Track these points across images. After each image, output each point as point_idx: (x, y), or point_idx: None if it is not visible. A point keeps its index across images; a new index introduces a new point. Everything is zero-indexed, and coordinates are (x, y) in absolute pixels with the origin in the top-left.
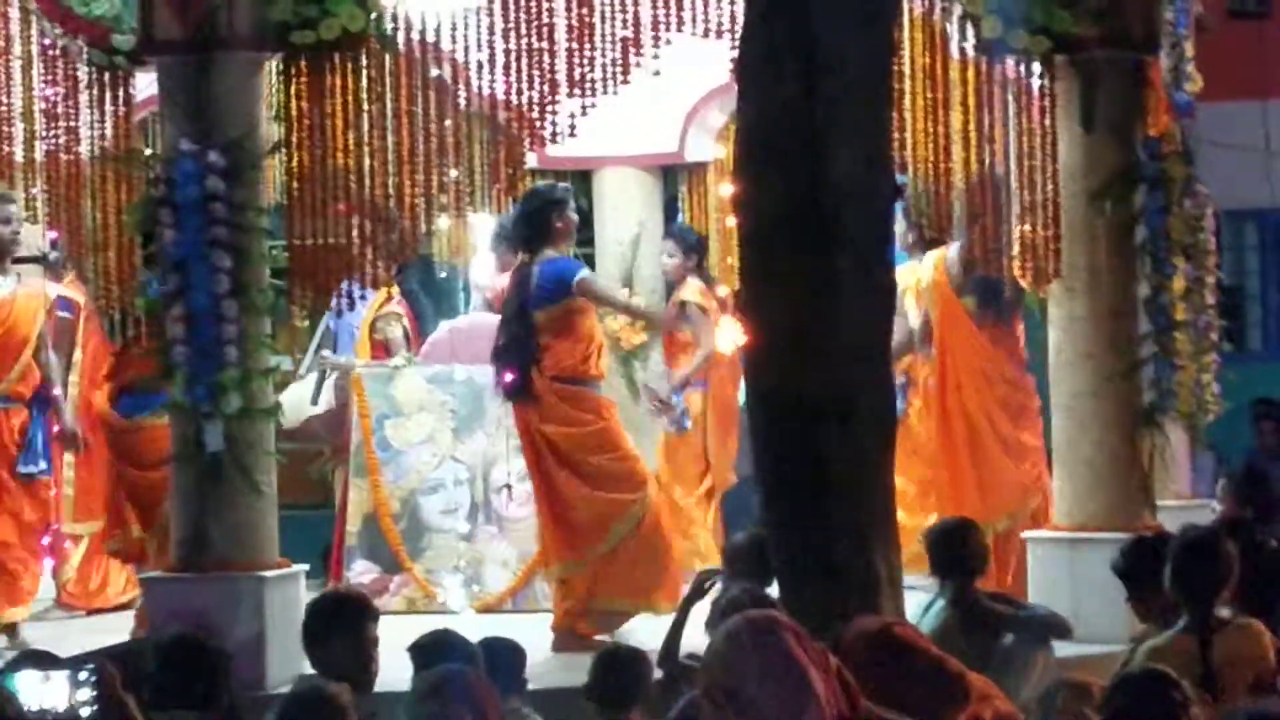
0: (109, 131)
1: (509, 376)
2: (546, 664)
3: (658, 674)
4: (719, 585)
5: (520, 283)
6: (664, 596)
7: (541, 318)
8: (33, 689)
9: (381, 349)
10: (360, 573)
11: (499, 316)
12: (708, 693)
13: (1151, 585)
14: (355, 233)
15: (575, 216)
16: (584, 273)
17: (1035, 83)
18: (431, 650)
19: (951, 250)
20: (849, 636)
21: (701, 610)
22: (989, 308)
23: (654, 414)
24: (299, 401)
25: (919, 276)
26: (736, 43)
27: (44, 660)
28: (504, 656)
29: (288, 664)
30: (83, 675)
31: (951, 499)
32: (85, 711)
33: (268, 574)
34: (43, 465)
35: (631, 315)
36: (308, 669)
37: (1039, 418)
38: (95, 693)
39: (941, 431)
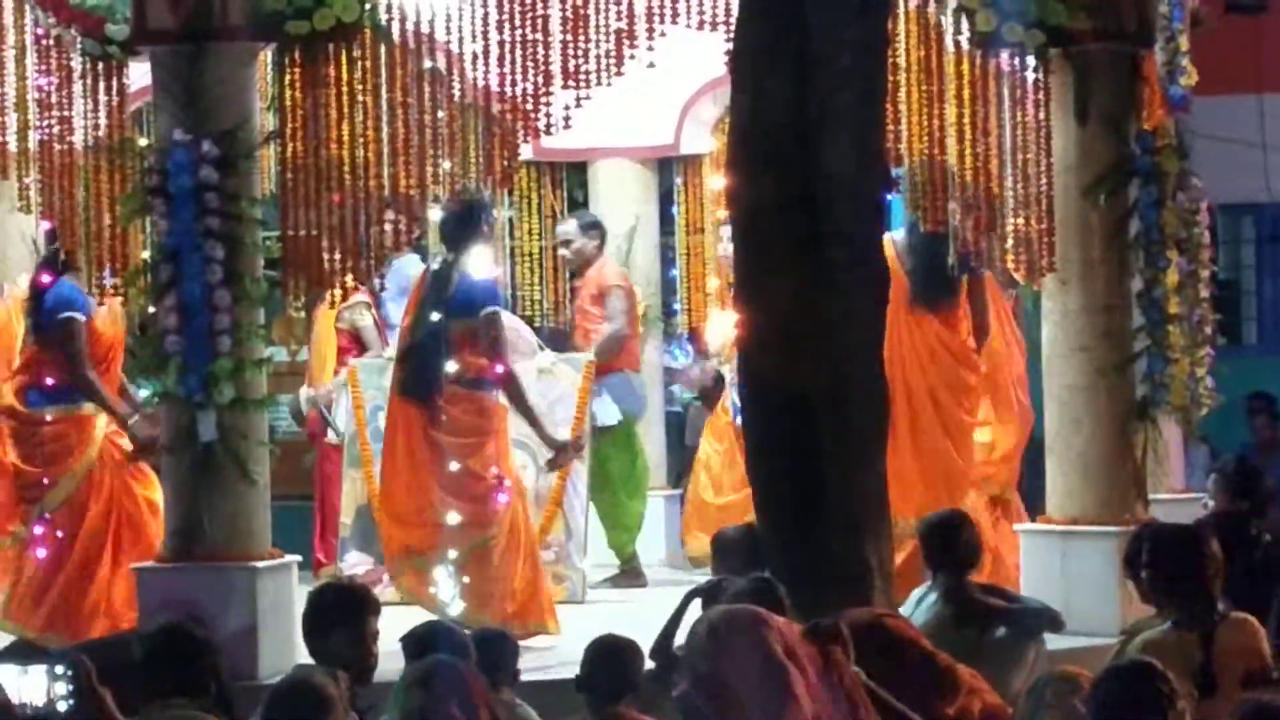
0: (102, 121)
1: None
2: (539, 655)
3: (651, 665)
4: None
5: (440, 284)
6: (494, 615)
7: (457, 326)
8: (11, 683)
9: (350, 338)
10: (353, 564)
11: None
12: (693, 682)
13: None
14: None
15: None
16: (491, 310)
17: (1030, 76)
18: (423, 641)
19: (897, 236)
20: (841, 629)
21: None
22: (933, 287)
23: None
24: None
25: None
26: (731, 35)
27: (27, 653)
28: (496, 648)
29: (280, 654)
30: (59, 669)
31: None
32: (62, 705)
33: (260, 564)
34: None
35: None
36: (300, 659)
37: (980, 396)
38: (71, 687)
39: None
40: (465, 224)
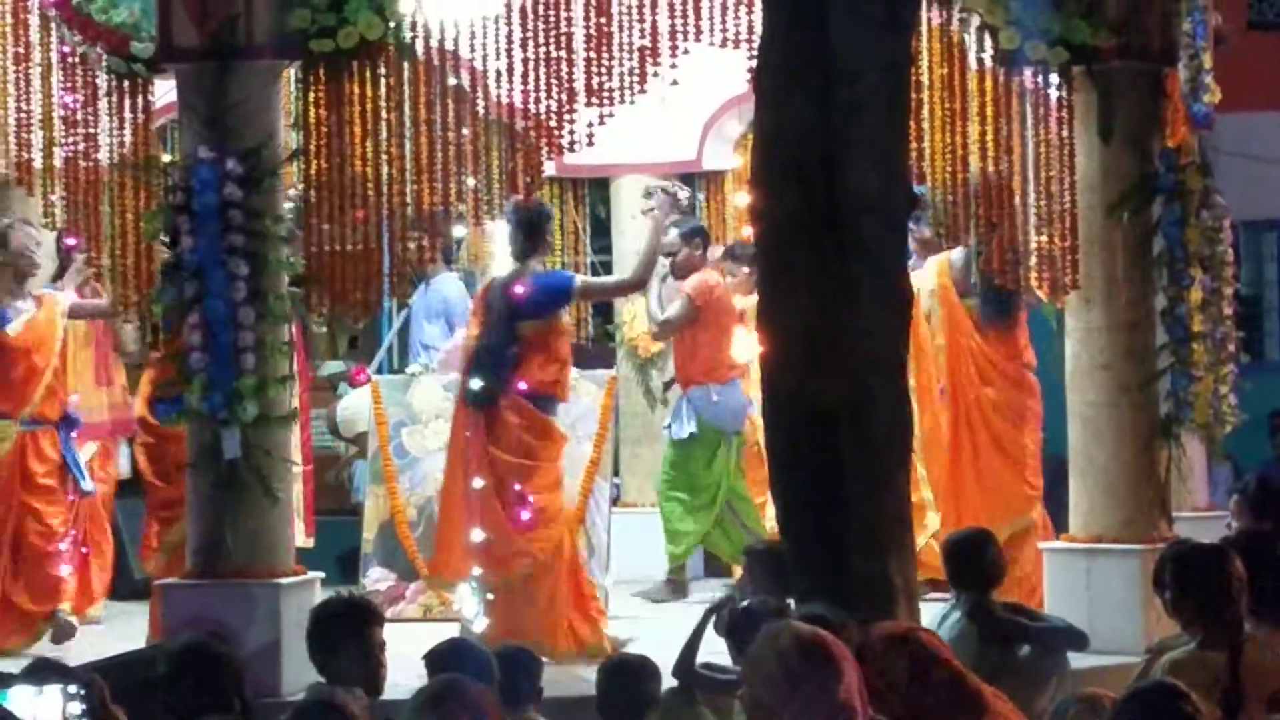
0: (128, 138)
1: (478, 383)
2: (563, 673)
3: (673, 684)
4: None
5: (507, 293)
6: (549, 640)
7: (527, 330)
8: (26, 703)
9: None
10: (376, 580)
11: None
12: (750, 702)
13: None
14: (374, 240)
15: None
16: (578, 277)
17: (1053, 94)
18: (447, 659)
19: (955, 254)
20: (873, 639)
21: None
22: (991, 308)
23: None
24: (357, 409)
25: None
26: (754, 53)
27: (48, 672)
28: (520, 665)
29: (304, 670)
30: (73, 689)
31: (953, 503)
32: None
33: (284, 580)
34: (91, 485)
35: (624, 289)
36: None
37: (1040, 420)
38: (85, 707)
39: (949, 434)
40: (532, 234)
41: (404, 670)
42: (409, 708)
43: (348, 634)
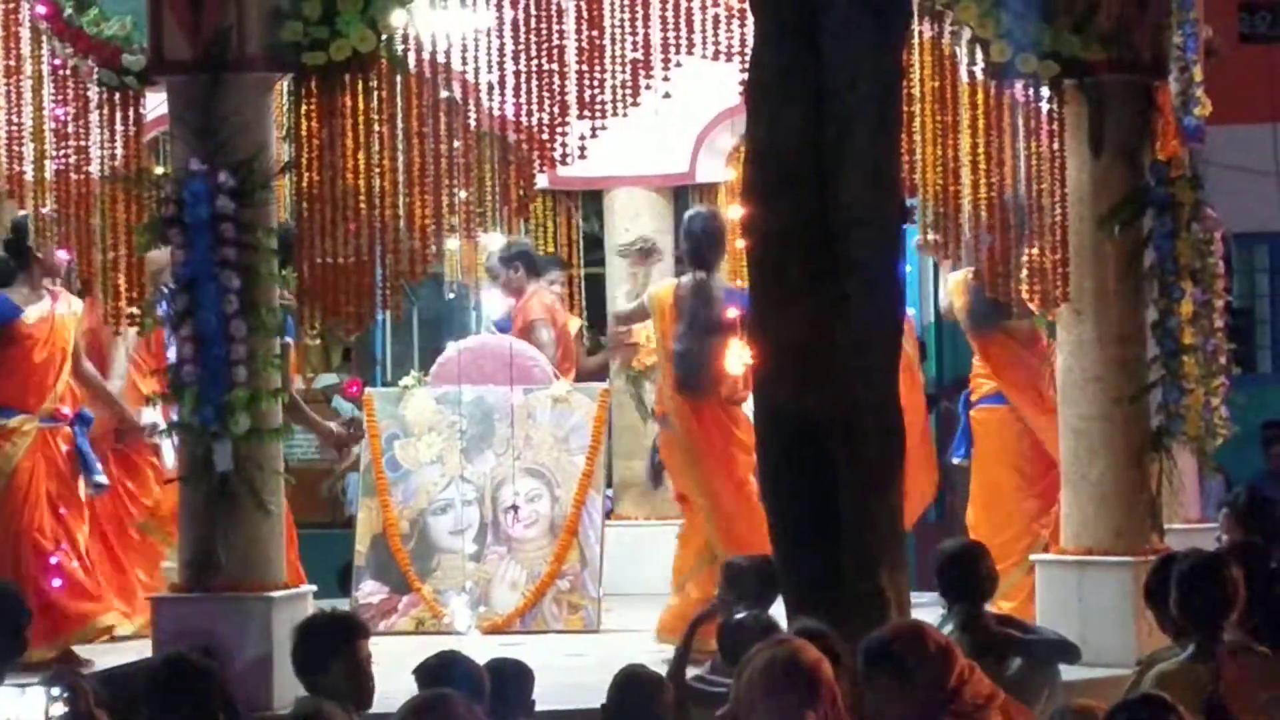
0: (119, 151)
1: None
2: (554, 685)
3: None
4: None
5: (706, 302)
6: None
7: (721, 344)
8: (8, 703)
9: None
10: (369, 593)
11: (506, 337)
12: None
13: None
14: (366, 252)
15: None
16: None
17: (1044, 106)
18: (437, 672)
19: None
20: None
21: None
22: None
23: None
24: None
25: None
26: (746, 65)
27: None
28: (512, 678)
29: (295, 684)
30: (56, 691)
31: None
32: None
33: (276, 594)
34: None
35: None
36: None
37: None
38: (69, 709)
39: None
40: (715, 243)
41: (395, 683)
42: (394, 718)
43: (334, 650)
